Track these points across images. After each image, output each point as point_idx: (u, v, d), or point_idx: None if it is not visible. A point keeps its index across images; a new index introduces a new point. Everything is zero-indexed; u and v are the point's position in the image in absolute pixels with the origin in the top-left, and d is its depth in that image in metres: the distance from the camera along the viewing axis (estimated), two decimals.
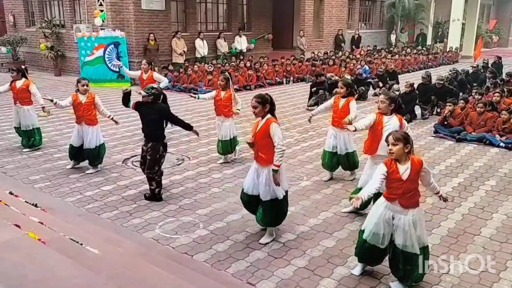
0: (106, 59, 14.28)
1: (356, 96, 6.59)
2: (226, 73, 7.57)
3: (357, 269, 4.16)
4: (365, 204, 4.62)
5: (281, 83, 15.04)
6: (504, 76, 12.87)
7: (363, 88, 12.42)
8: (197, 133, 5.88)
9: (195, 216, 5.29)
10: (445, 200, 4.11)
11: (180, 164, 7.14)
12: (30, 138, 7.63)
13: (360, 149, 5.86)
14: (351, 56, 17.96)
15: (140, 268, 3.83)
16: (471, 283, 4.03)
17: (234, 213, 5.37)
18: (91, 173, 6.61)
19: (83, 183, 6.25)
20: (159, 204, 5.58)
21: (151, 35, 14.50)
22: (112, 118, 6.72)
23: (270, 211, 4.58)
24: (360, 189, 5.21)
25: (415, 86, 10.40)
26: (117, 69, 14.21)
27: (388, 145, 3.74)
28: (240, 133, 7.84)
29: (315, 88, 11.52)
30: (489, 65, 15.06)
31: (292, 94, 13.34)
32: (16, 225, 4.16)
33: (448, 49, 22.02)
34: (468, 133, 8.57)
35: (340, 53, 18.91)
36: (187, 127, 5.79)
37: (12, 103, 7.78)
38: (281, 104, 11.28)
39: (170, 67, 14.37)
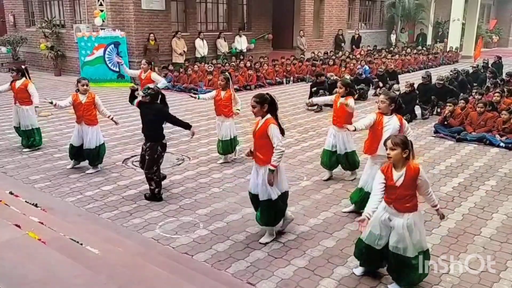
0: (106, 59, 14.28)
1: (356, 96, 6.64)
2: (226, 73, 7.57)
3: (359, 269, 4.16)
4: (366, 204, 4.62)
5: (281, 83, 15.04)
6: (504, 76, 12.87)
7: (363, 88, 12.43)
8: (192, 134, 5.82)
9: (195, 216, 5.29)
10: (441, 217, 4.01)
11: (180, 164, 7.14)
12: (30, 138, 7.63)
13: (360, 149, 5.86)
14: (351, 56, 17.96)
15: (140, 268, 3.82)
16: (471, 283, 4.03)
17: (234, 213, 5.37)
18: (91, 173, 6.61)
19: (83, 183, 6.25)
20: (159, 204, 5.58)
21: (151, 35, 14.51)
22: (111, 118, 6.73)
23: (266, 211, 4.59)
24: (360, 189, 5.23)
25: (415, 86, 10.40)
26: (117, 69, 14.26)
27: (386, 149, 3.74)
28: (240, 133, 7.84)
29: (315, 88, 11.52)
30: (489, 65, 15.05)
31: (292, 94, 13.34)
32: (16, 225, 4.16)
33: (448, 49, 22.02)
34: (468, 133, 8.57)
35: (340, 53, 18.92)
36: (186, 126, 5.77)
37: (12, 103, 7.80)
38: (281, 104, 11.26)
39: (170, 67, 14.38)
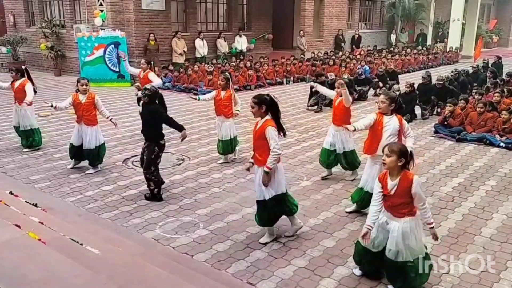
0: (106, 59, 14.29)
1: (356, 96, 6.66)
2: (226, 73, 7.57)
3: (359, 269, 4.16)
4: (367, 204, 4.62)
5: (281, 83, 15.04)
6: (504, 76, 12.86)
7: (363, 88, 12.43)
8: (182, 137, 5.72)
9: (195, 216, 5.29)
10: (434, 238, 3.82)
11: (180, 164, 7.14)
12: (28, 138, 7.63)
13: (360, 149, 5.86)
14: (351, 56, 17.97)
15: (140, 268, 3.82)
16: (471, 283, 4.03)
17: (234, 213, 5.37)
18: (91, 173, 6.61)
19: (83, 183, 6.25)
20: (159, 204, 5.58)
21: (151, 35, 14.51)
22: (111, 120, 6.72)
23: (261, 211, 4.59)
24: (361, 188, 5.23)
25: (415, 86, 10.39)
26: (118, 69, 14.26)
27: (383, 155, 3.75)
28: (240, 133, 7.84)
29: (315, 88, 11.51)
30: (489, 65, 15.05)
31: (292, 94, 13.34)
32: (16, 225, 4.16)
33: (448, 49, 22.02)
34: (468, 133, 8.57)
35: (340, 53, 18.92)
36: (179, 128, 5.66)
37: (12, 103, 7.80)
38: (281, 104, 11.25)
39: (170, 67, 14.39)
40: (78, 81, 6.64)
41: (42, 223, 4.46)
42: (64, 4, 15.90)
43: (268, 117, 4.45)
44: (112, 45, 14.11)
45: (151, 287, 3.48)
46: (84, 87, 6.53)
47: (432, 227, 3.75)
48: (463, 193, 6.06)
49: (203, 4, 17.15)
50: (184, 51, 15.33)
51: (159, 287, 3.51)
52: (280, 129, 4.47)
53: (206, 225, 5.06)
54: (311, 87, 11.63)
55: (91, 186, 6.15)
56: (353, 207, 5.41)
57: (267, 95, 4.52)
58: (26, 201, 5.29)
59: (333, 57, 16.70)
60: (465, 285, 3.99)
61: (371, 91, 12.87)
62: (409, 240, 3.67)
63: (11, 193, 5.52)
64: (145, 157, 5.57)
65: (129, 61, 13.88)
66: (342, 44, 21.11)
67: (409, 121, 9.10)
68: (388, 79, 13.33)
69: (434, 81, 11.03)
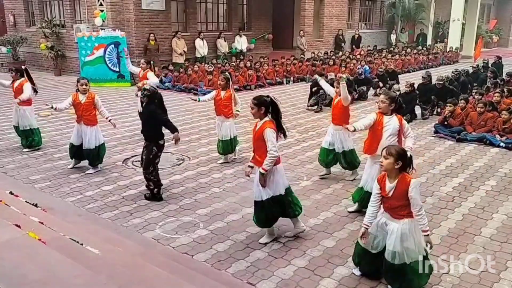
0: (106, 59, 14.29)
1: (355, 95, 6.67)
2: (226, 73, 7.57)
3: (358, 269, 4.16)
4: (367, 203, 4.61)
5: (281, 83, 15.04)
6: (504, 76, 12.87)
7: (363, 88, 12.43)
8: (174, 140, 5.63)
9: (195, 216, 5.29)
10: (430, 246, 3.74)
11: (180, 164, 7.14)
12: (28, 138, 7.62)
13: (360, 149, 5.86)
14: (351, 56, 17.97)
15: (140, 268, 3.82)
16: (471, 283, 4.02)
17: (234, 213, 5.37)
18: (91, 173, 6.61)
19: (83, 183, 6.25)
20: (159, 204, 5.58)
21: (151, 35, 14.51)
22: (109, 120, 6.71)
23: (257, 212, 4.59)
24: (361, 188, 5.23)
25: (415, 86, 10.40)
26: (118, 69, 14.26)
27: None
28: (240, 133, 7.84)
29: (315, 88, 11.50)
30: (489, 65, 15.05)
31: (292, 94, 13.34)
32: (16, 225, 4.16)
33: (448, 49, 22.02)
34: (468, 133, 8.57)
35: (340, 53, 18.92)
36: (172, 130, 5.59)
37: (12, 103, 7.81)
38: (281, 104, 11.25)
39: (170, 67, 14.40)
40: (77, 81, 6.64)
41: (42, 223, 4.46)
42: (64, 4, 15.90)
43: (267, 118, 4.45)
44: (112, 45, 14.11)
45: (151, 287, 3.48)
46: (84, 87, 6.52)
47: (427, 235, 3.67)
48: (463, 193, 6.06)
49: (203, 4, 17.15)
50: (184, 51, 15.34)
51: (159, 287, 3.51)
52: (281, 130, 4.46)
53: (206, 225, 5.06)
54: (311, 87, 11.68)
55: (91, 186, 6.15)
56: (355, 206, 5.41)
57: (267, 96, 4.51)
58: (26, 201, 5.29)
59: (333, 57, 16.71)
60: (465, 285, 3.99)
61: (371, 91, 12.87)
62: (407, 242, 3.66)
63: (11, 193, 5.52)
64: (143, 157, 5.59)
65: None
66: (342, 44, 21.11)
67: (409, 121, 9.10)
68: (388, 79, 13.32)
69: (434, 81, 11.03)
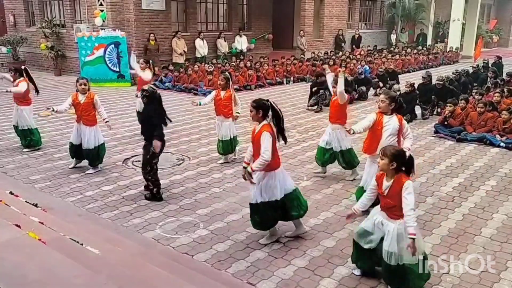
0: (107, 59, 14.29)
1: (355, 95, 6.67)
2: (226, 73, 7.58)
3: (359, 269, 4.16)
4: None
5: (281, 83, 15.04)
6: (504, 76, 12.87)
7: (363, 88, 12.43)
8: (155, 147, 5.46)
9: (195, 216, 5.29)
10: (412, 251, 3.55)
11: (180, 164, 7.14)
12: (26, 138, 7.62)
13: (360, 149, 5.86)
14: (351, 56, 17.97)
15: (140, 268, 3.83)
16: (472, 283, 4.02)
17: (234, 213, 5.37)
18: (91, 173, 6.61)
19: (83, 183, 6.25)
20: (159, 204, 5.58)
21: (152, 35, 14.51)
22: (106, 122, 6.70)
23: (254, 214, 4.59)
24: (361, 187, 5.23)
25: (416, 86, 10.40)
26: (118, 69, 14.25)
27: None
28: (240, 133, 7.84)
29: (315, 88, 11.51)
30: (489, 65, 15.05)
31: (292, 94, 13.33)
32: (16, 225, 4.16)
33: (448, 49, 22.02)
34: (469, 133, 8.57)
35: (340, 53, 18.92)
36: (157, 137, 5.44)
37: (12, 103, 7.81)
38: (281, 104, 11.25)
39: (171, 67, 14.40)
40: (77, 81, 6.64)
41: (42, 223, 4.46)
42: (64, 4, 15.89)
43: (265, 122, 4.44)
44: (112, 45, 14.10)
45: (151, 287, 3.48)
46: (83, 86, 6.51)
47: (412, 238, 3.52)
48: (463, 193, 6.05)
49: (203, 4, 17.15)
50: (184, 51, 15.33)
51: (159, 287, 3.51)
52: (282, 136, 4.46)
53: (206, 225, 5.06)
54: (311, 87, 11.68)
55: (91, 186, 6.15)
56: None
57: (267, 100, 4.49)
58: (26, 201, 5.29)
59: (333, 57, 16.71)
60: (465, 285, 3.99)
61: (371, 91, 12.87)
62: (403, 243, 3.65)
63: (11, 193, 5.52)
64: (142, 157, 5.59)
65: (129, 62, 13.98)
66: (342, 44, 21.10)
67: (409, 121, 9.10)
68: (388, 79, 13.32)
69: (434, 81, 11.03)
